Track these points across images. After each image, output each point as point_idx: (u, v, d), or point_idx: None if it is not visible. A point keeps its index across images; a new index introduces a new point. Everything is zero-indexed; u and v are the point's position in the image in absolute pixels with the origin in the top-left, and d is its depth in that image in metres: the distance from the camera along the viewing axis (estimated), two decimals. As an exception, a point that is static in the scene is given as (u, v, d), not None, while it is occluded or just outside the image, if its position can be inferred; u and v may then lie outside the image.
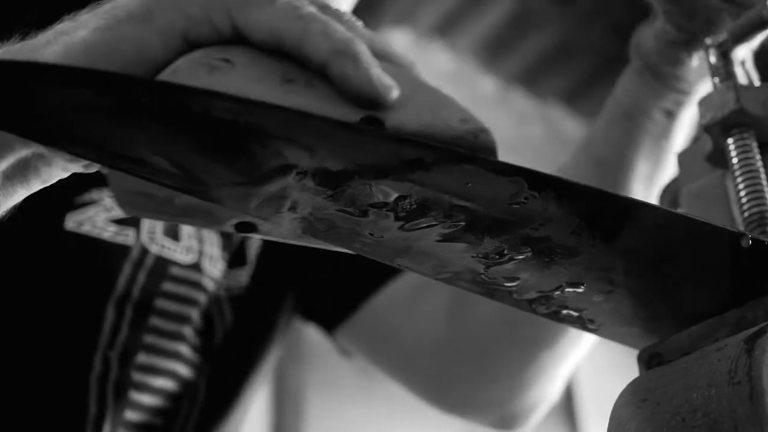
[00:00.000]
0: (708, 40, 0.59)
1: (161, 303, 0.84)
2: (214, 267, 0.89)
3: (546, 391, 0.93)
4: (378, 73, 0.42)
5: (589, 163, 0.84)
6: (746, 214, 0.51)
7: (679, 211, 0.58)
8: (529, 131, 4.43)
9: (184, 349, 0.86)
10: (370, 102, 0.42)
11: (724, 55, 0.58)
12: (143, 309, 0.83)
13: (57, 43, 0.45)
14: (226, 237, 0.91)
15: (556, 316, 0.49)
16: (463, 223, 0.42)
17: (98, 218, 0.81)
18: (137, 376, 0.82)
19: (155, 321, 0.84)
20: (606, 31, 4.10)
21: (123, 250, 0.82)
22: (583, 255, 0.43)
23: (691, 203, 0.58)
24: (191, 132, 0.38)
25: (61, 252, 0.80)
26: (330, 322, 0.98)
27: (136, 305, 0.82)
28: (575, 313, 0.48)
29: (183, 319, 0.86)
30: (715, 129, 0.55)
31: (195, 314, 0.87)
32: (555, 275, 0.45)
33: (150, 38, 0.43)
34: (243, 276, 0.92)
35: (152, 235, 0.84)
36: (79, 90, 0.36)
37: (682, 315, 0.47)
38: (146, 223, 0.84)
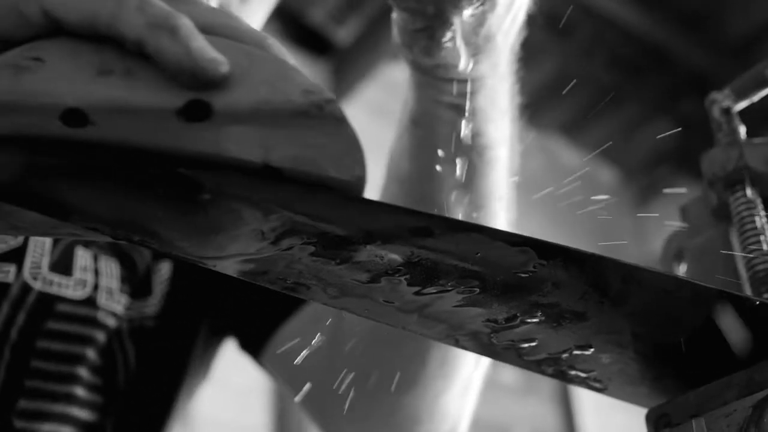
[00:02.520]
0: (713, 96, 0.59)
1: (44, 344, 0.79)
2: (114, 301, 0.84)
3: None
4: (200, 46, 0.38)
5: (393, 182, 0.74)
6: (751, 272, 0.52)
7: (683, 275, 0.58)
8: (527, 163, 4.43)
9: (80, 391, 0.81)
10: (194, 79, 0.38)
11: (727, 112, 0.58)
12: (23, 351, 0.77)
13: None
14: (127, 268, 0.86)
15: (564, 376, 0.49)
16: (477, 290, 0.42)
17: None
18: (20, 424, 0.77)
19: (37, 363, 0.78)
20: (605, 62, 4.12)
21: (1, 289, 0.77)
22: (592, 319, 0.43)
23: (696, 258, 0.58)
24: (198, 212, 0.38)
25: None
26: (253, 351, 0.92)
27: (14, 347, 0.77)
28: (583, 374, 0.49)
29: (74, 359, 0.80)
30: (719, 185, 0.56)
31: (91, 353, 0.82)
32: (564, 338, 0.45)
33: None
34: (149, 307, 0.87)
35: (36, 271, 0.79)
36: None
37: (690, 375, 0.47)
38: (29, 258, 0.79)
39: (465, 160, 0.68)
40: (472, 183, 0.69)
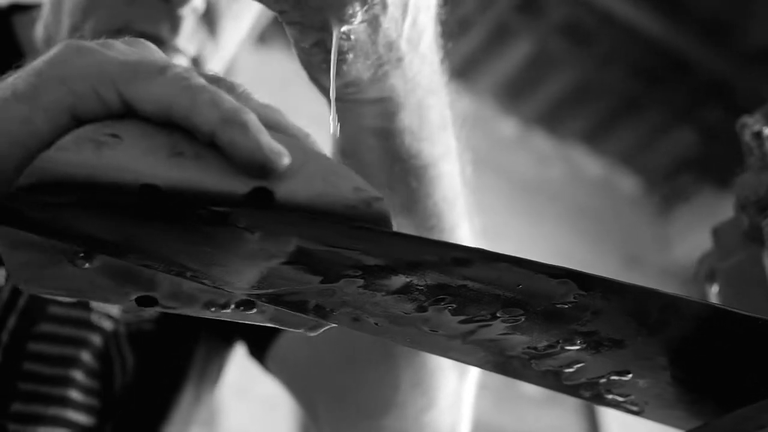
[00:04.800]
0: (744, 120, 0.60)
1: (36, 346, 0.80)
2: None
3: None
4: (267, 140, 0.41)
5: None
6: (785, 296, 0.52)
7: (718, 302, 0.59)
8: (549, 172, 4.44)
9: (75, 394, 0.81)
10: (260, 169, 0.41)
11: (758, 135, 0.59)
12: (15, 354, 0.79)
13: None
14: None
15: (601, 400, 0.50)
16: (521, 319, 0.43)
17: None
18: (14, 427, 0.78)
19: (30, 366, 0.79)
20: (624, 71, 4.12)
21: None
22: (630, 347, 0.44)
23: (728, 280, 0.59)
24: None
25: None
26: (259, 356, 0.92)
27: (6, 350, 0.78)
28: (620, 398, 0.50)
29: (68, 362, 0.81)
30: (751, 209, 0.56)
31: (85, 356, 0.82)
32: (602, 364, 0.46)
33: (35, 116, 0.42)
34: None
35: None
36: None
37: (726, 398, 0.48)
38: None
39: (401, 186, 0.66)
40: (415, 207, 0.67)
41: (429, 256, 0.40)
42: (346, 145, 0.66)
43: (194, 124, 0.41)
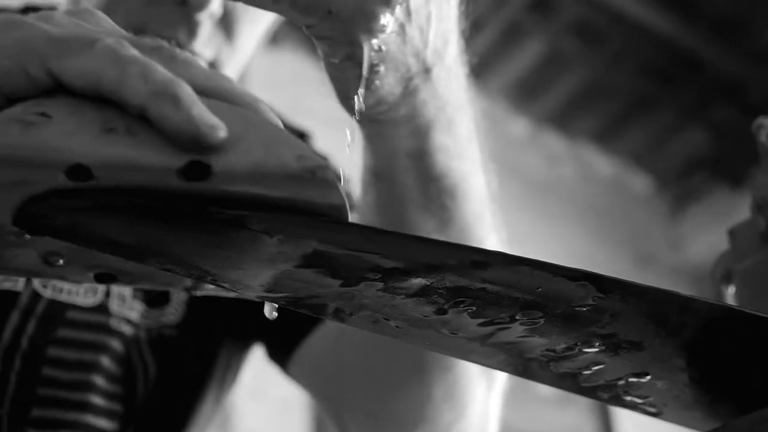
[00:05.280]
0: (760, 121, 0.60)
1: (55, 351, 0.79)
2: (127, 307, 0.84)
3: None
4: (200, 112, 0.40)
5: None
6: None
7: (736, 303, 0.59)
8: (560, 172, 4.44)
9: (96, 399, 0.80)
10: (193, 143, 0.40)
11: (774, 136, 0.59)
12: (33, 359, 0.78)
13: None
14: None
15: (619, 401, 0.50)
16: (540, 321, 0.43)
17: None
18: None
19: (49, 371, 0.79)
20: (636, 70, 4.11)
21: (11, 297, 0.78)
22: (648, 349, 0.45)
23: (744, 281, 0.59)
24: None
25: None
26: (281, 360, 0.91)
27: (25, 356, 0.78)
28: (639, 400, 0.50)
29: (88, 367, 0.80)
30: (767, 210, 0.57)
31: (105, 361, 0.81)
32: (620, 366, 0.46)
33: None
34: (167, 315, 0.86)
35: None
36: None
37: (744, 400, 0.48)
38: None
39: (436, 206, 0.65)
40: (449, 225, 0.66)
41: (448, 260, 0.40)
42: (380, 169, 0.65)
43: (124, 98, 0.40)
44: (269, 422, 2.91)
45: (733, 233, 0.62)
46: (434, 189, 0.64)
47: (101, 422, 0.81)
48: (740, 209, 0.61)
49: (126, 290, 0.84)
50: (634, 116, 4.31)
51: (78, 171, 0.39)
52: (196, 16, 0.78)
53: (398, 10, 0.52)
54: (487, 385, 0.77)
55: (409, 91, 0.58)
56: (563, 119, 4.37)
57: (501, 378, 0.78)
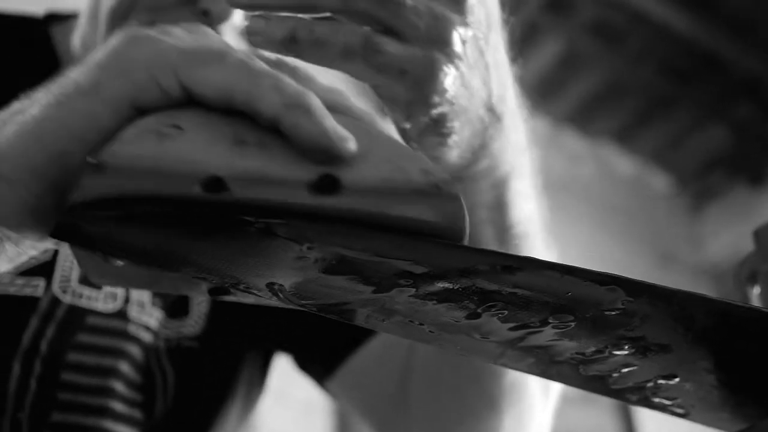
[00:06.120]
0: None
1: (74, 356, 0.79)
2: (146, 314, 0.84)
3: None
4: (332, 125, 0.40)
5: None
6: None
7: (761, 306, 0.59)
8: (580, 171, 4.43)
9: (116, 405, 0.80)
10: (326, 155, 0.40)
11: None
12: (53, 364, 0.78)
13: (11, 122, 0.44)
14: None
15: (647, 403, 0.51)
16: (571, 325, 0.43)
17: (2, 273, 0.77)
18: None
19: (68, 376, 0.78)
20: (655, 69, 4.10)
21: (31, 302, 0.78)
22: (676, 351, 0.45)
23: (770, 282, 0.59)
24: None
25: None
26: (318, 376, 0.92)
27: (45, 360, 0.77)
28: (667, 402, 0.50)
29: (106, 372, 0.80)
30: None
31: (125, 366, 0.81)
32: (649, 369, 0.47)
33: (97, 110, 0.42)
34: (187, 327, 0.86)
35: (66, 284, 0.80)
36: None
37: (771, 401, 0.49)
38: (59, 272, 0.80)
39: (510, 250, 0.65)
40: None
41: (479, 265, 0.41)
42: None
43: (257, 110, 0.41)
44: (292, 425, 2.92)
45: (758, 234, 0.62)
46: (509, 236, 0.65)
47: (121, 428, 0.81)
48: (760, 206, 0.62)
49: (145, 297, 0.84)
50: (653, 115, 4.30)
51: (213, 183, 0.40)
52: (217, 28, 0.78)
53: (460, 65, 0.52)
54: (546, 402, 0.78)
55: (485, 143, 0.58)
56: (582, 119, 4.36)
57: (556, 391, 0.78)
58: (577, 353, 0.46)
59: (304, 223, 0.40)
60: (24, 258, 0.48)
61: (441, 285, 0.42)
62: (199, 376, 0.87)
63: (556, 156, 4.36)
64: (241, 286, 0.44)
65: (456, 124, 0.54)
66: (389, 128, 0.45)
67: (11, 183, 0.42)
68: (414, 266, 0.41)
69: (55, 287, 0.80)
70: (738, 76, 4.08)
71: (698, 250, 4.60)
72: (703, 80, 4.11)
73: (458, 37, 0.52)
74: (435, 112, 0.52)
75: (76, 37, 0.86)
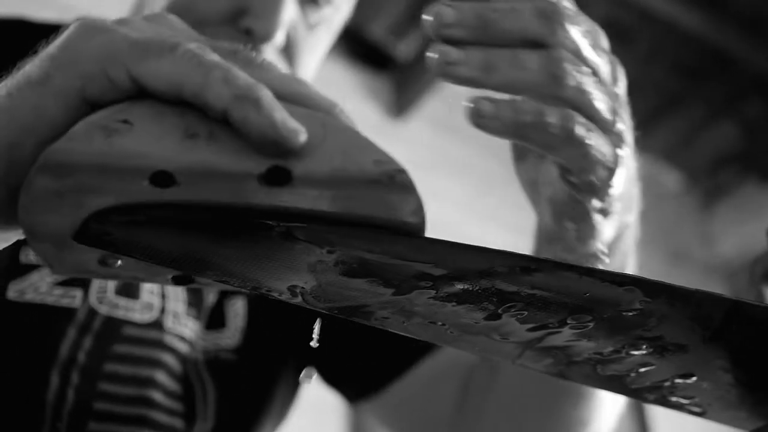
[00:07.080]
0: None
1: (111, 367, 0.79)
2: (181, 324, 0.85)
3: None
4: (282, 117, 0.40)
5: None
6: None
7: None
8: (591, 169, 4.41)
9: (156, 415, 0.81)
10: (276, 147, 0.40)
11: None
12: (91, 374, 0.78)
13: None
14: (192, 292, 0.87)
15: (665, 402, 0.51)
16: (589, 325, 0.44)
17: (41, 283, 0.78)
18: None
19: (105, 386, 0.79)
20: (665, 68, 4.09)
21: (68, 313, 0.79)
22: (694, 351, 0.45)
23: (784, 281, 0.60)
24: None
25: (2, 323, 0.77)
26: (354, 396, 0.94)
27: (82, 371, 0.78)
28: (684, 401, 0.50)
29: (143, 382, 0.81)
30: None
31: (161, 376, 0.82)
32: (666, 368, 0.47)
33: (46, 101, 0.42)
34: (224, 339, 0.87)
35: (102, 295, 0.81)
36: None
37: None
38: (96, 284, 0.81)
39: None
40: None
41: (498, 266, 0.41)
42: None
43: (206, 102, 0.41)
44: (304, 426, 2.91)
45: (772, 233, 0.63)
46: None
47: None
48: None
49: (180, 308, 0.85)
50: (663, 113, 4.29)
51: (161, 177, 0.40)
52: (261, 47, 0.78)
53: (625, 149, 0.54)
54: (614, 414, 0.79)
55: (620, 233, 0.59)
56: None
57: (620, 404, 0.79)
58: (594, 353, 0.46)
59: (325, 226, 0.41)
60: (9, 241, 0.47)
61: (460, 286, 0.42)
62: (238, 389, 0.87)
63: (567, 155, 4.35)
64: (264, 290, 0.44)
65: (617, 206, 0.56)
66: (347, 118, 0.44)
67: None
68: (433, 268, 0.41)
69: (92, 298, 0.80)
70: (748, 74, 4.07)
71: (709, 247, 4.60)
72: (714, 78, 4.10)
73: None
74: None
75: None
